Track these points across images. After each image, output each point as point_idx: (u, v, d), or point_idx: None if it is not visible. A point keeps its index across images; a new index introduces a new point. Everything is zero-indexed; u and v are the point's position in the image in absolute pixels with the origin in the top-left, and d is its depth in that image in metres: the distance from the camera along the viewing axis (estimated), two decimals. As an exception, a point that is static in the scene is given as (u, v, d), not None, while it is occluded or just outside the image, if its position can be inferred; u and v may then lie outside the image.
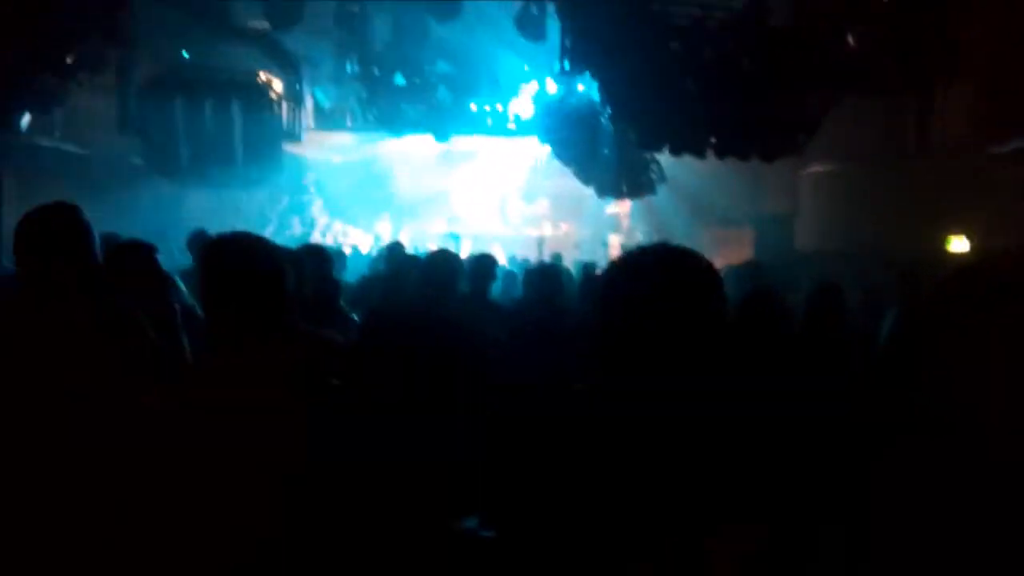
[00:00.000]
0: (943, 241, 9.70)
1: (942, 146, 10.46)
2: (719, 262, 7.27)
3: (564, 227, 17.20)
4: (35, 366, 2.34)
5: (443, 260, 4.69)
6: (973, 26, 9.05)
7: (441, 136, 13.36)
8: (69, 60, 7.35)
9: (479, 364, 2.92)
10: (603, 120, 10.32)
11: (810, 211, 12.59)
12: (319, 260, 4.47)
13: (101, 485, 2.23)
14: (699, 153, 8.38)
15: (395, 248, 6.94)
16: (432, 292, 4.33)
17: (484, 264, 4.95)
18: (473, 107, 12.98)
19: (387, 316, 2.84)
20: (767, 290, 4.77)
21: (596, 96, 9.97)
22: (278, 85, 11.52)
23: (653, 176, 11.36)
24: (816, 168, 12.27)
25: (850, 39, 8.00)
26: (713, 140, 8.23)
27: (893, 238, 9.71)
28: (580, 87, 10.85)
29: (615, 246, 15.51)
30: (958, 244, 9.64)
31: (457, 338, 2.67)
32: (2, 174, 9.98)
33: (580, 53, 8.41)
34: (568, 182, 13.22)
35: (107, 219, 9.71)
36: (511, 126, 13.58)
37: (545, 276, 4.79)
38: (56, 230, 2.51)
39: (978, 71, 9.45)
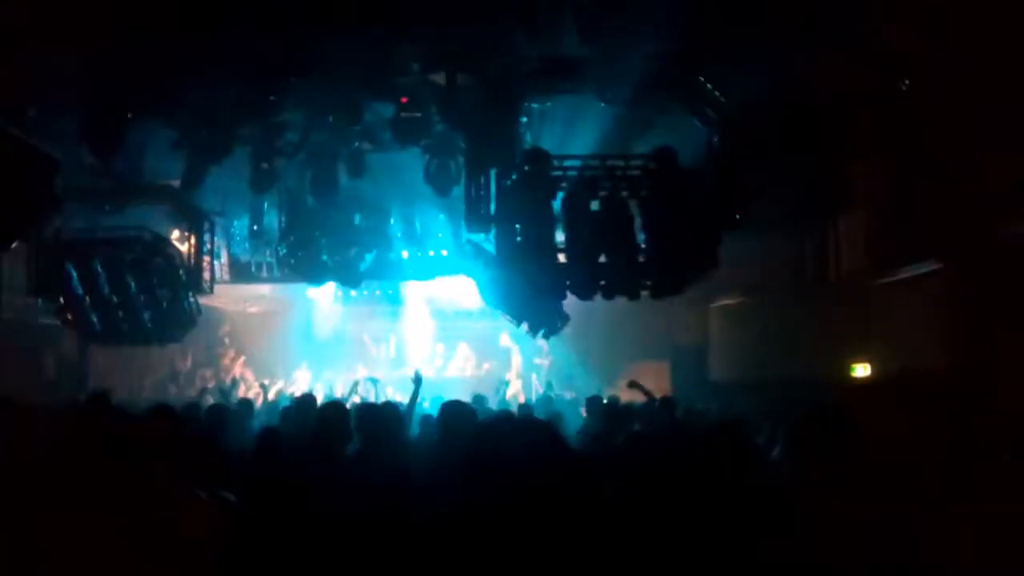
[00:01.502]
0: (847, 368, 10.07)
1: (840, 276, 11.04)
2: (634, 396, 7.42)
3: (486, 366, 17.27)
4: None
5: (333, 412, 4.65)
6: (864, 159, 9.71)
7: (357, 285, 13.45)
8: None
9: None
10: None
11: (720, 343, 12.97)
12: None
13: None
14: (586, 296, 8.71)
15: (306, 400, 6.88)
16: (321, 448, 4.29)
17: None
18: (391, 254, 13.18)
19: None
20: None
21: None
22: (189, 242, 11.52)
23: (559, 317, 11.61)
24: (725, 301, 12.75)
25: (742, 177, 8.54)
26: (602, 283, 8.57)
27: (799, 367, 10.05)
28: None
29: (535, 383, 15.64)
30: (861, 370, 10.03)
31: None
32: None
33: (482, 204, 8.79)
34: (486, 324, 13.38)
35: (14, 381, 9.41)
36: (432, 269, 13.79)
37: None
38: None
39: (870, 202, 10.08)
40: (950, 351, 8.29)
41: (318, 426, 4.47)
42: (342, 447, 4.35)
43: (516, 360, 17.02)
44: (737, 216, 8.82)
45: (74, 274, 10.39)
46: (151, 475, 3.06)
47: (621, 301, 9.44)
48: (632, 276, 8.70)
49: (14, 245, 8.70)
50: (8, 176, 7.00)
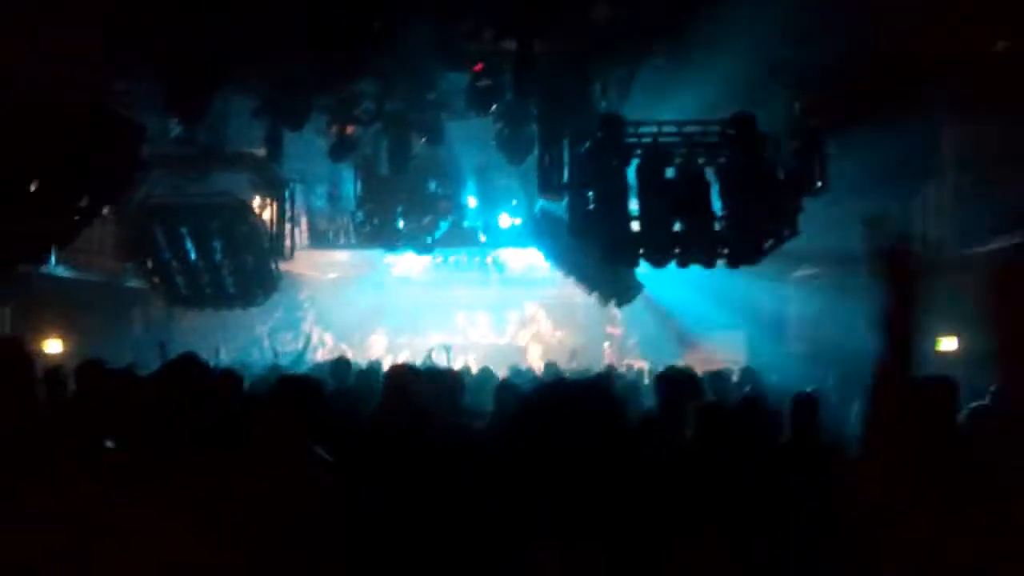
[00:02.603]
0: (931, 341, 9.73)
1: (925, 245, 10.63)
2: (709, 367, 7.31)
3: (558, 335, 17.31)
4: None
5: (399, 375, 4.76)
6: (954, 124, 9.29)
7: (431, 252, 13.59)
8: (83, 202, 7.63)
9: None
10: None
11: (799, 313, 12.69)
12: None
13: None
14: (660, 264, 8.58)
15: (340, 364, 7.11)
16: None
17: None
18: (466, 221, 13.27)
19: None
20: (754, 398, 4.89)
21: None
22: (272, 208, 11.81)
23: (633, 284, 11.52)
24: (804, 271, 12.44)
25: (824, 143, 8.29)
26: (676, 250, 8.43)
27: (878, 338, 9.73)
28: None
29: (608, 353, 15.62)
30: (947, 343, 9.68)
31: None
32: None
33: (556, 172, 8.73)
34: (561, 291, 13.38)
35: (105, 342, 9.84)
36: (504, 239, 13.87)
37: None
38: None
39: (960, 168, 9.66)
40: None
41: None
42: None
43: (540, 327, 17.08)
44: (818, 183, 8.58)
45: (162, 239, 10.80)
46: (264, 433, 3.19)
47: (696, 271, 9.32)
48: (708, 244, 8.55)
49: (105, 211, 9.05)
50: (98, 142, 7.27)
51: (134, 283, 12.28)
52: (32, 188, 7.07)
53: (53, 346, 11.08)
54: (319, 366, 10.04)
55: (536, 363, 13.91)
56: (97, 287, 12.28)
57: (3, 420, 2.59)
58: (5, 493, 2.36)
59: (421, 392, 4.59)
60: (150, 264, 11.13)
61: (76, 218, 7.89)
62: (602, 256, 9.38)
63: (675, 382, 6.69)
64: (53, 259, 11.25)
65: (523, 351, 16.63)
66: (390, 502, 3.50)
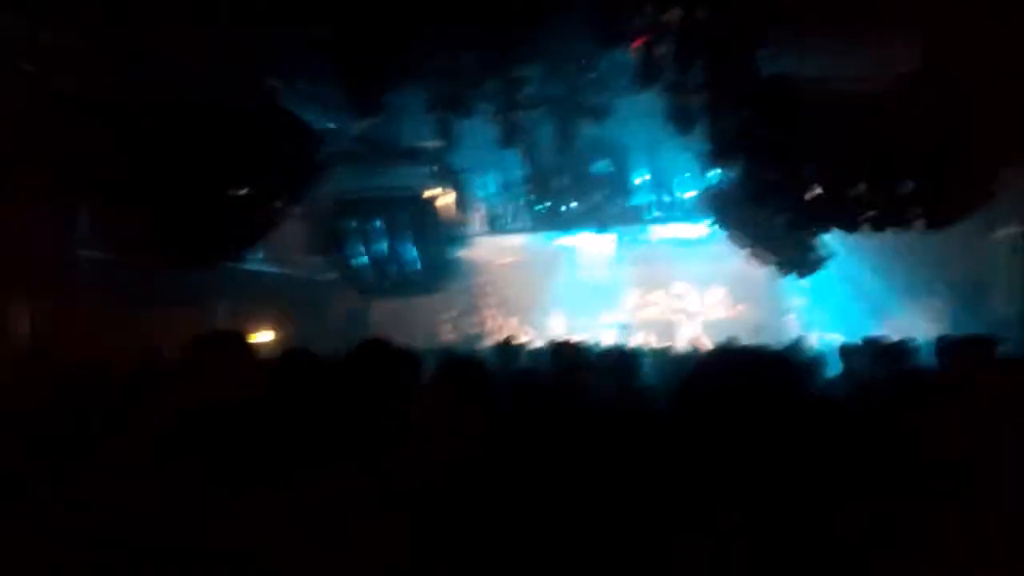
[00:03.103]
0: None
1: None
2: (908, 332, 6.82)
3: (740, 308, 16.84)
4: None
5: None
6: None
7: (607, 230, 13.66)
8: (264, 198, 8.24)
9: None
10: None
11: (1006, 277, 11.66)
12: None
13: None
14: (852, 229, 8.10)
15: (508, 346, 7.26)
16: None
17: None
18: (635, 199, 13.21)
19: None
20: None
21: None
22: (446, 197, 12.27)
23: (819, 253, 10.98)
24: (1008, 230, 11.43)
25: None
26: (871, 213, 7.93)
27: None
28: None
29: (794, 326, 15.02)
30: None
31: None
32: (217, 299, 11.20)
33: (729, 141, 8.48)
34: (737, 265, 13.00)
35: (309, 332, 10.60)
36: (678, 213, 13.68)
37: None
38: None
39: None
40: None
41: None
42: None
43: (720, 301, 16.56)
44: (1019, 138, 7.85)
45: (352, 232, 11.56)
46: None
47: (887, 236, 8.78)
48: (900, 206, 8.03)
49: (296, 209, 9.72)
50: (275, 143, 7.83)
51: (330, 276, 13.15)
52: (223, 190, 7.68)
53: (264, 337, 12.10)
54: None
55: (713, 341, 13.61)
56: (298, 282, 13.27)
57: (233, 409, 2.79)
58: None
59: (586, 369, 4.66)
60: (342, 257, 11.92)
61: (267, 217, 8.52)
62: (788, 223, 9.04)
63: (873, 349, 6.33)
64: (259, 256, 12.31)
65: (703, 327, 16.34)
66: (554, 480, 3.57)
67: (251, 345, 3.63)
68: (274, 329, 12.20)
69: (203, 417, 2.64)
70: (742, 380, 2.05)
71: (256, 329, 12.11)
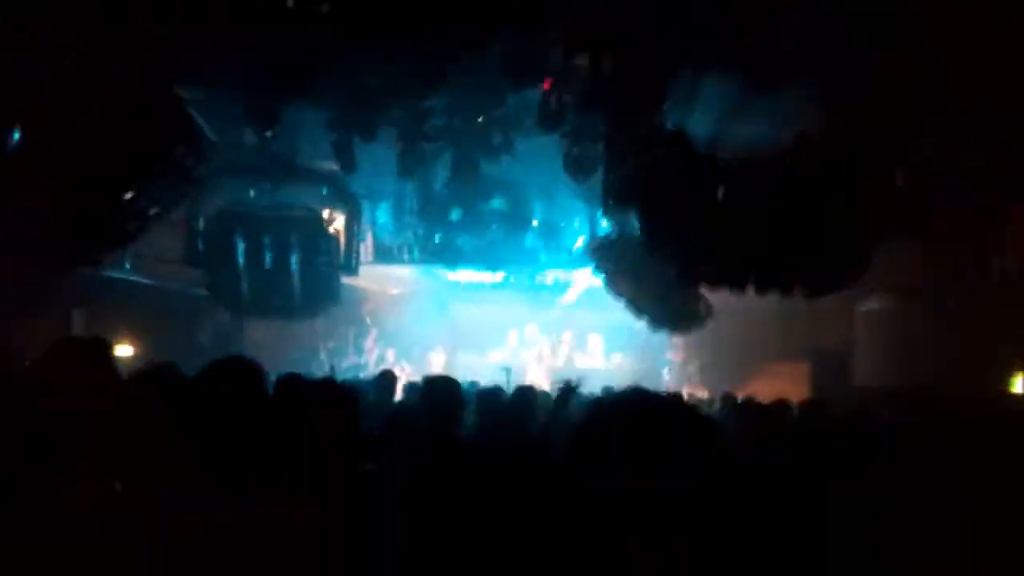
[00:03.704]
0: (1010, 378, 9.37)
1: (1004, 278, 10.25)
2: (770, 396, 7.10)
3: (616, 359, 17.16)
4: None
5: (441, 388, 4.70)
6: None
7: (495, 269, 13.66)
8: (142, 203, 7.77)
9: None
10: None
11: (868, 347, 12.33)
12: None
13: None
14: (739, 288, 8.39)
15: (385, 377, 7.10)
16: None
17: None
18: (528, 240, 13.28)
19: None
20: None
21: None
22: (339, 221, 11.99)
23: (702, 311, 11.34)
24: (873, 303, 12.11)
25: (898, 177, 8.03)
26: (754, 277, 8.23)
27: (955, 376, 9.41)
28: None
29: (666, 378, 15.39)
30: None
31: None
32: (72, 306, 10.47)
33: (625, 191, 8.64)
34: (621, 315, 13.25)
35: (171, 348, 10.06)
36: (565, 259, 13.84)
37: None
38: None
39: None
40: None
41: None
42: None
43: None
44: (890, 215, 8.34)
45: (238, 248, 11.05)
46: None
47: (756, 299, 9.12)
48: (789, 273, 8.35)
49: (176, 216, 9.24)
50: (166, 142, 7.44)
51: (204, 292, 12.56)
52: (97, 186, 7.20)
53: (124, 351, 11.38)
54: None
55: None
56: (168, 295, 12.59)
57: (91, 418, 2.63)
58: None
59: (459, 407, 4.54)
60: (220, 272, 11.39)
61: (141, 221, 8.05)
62: (676, 278, 9.26)
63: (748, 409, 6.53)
64: (128, 265, 11.63)
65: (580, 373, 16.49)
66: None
67: (111, 354, 3.43)
68: (140, 342, 11.50)
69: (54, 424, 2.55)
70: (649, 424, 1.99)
71: (119, 340, 11.39)
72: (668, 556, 1.73)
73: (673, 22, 7.08)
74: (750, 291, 8.37)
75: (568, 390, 4.76)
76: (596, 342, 17.47)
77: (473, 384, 8.21)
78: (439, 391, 4.74)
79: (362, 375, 12.75)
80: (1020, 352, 9.43)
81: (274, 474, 2.67)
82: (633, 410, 2.00)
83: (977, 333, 9.80)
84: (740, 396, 8.79)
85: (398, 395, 7.65)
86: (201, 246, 11.19)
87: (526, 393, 5.52)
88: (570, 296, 16.59)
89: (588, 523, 1.87)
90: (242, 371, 3.09)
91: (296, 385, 3.60)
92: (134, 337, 11.59)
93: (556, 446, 4.75)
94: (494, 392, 5.61)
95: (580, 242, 13.46)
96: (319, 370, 13.44)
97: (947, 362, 9.85)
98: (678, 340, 15.86)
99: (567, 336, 17.60)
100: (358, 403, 3.52)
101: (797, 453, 3.71)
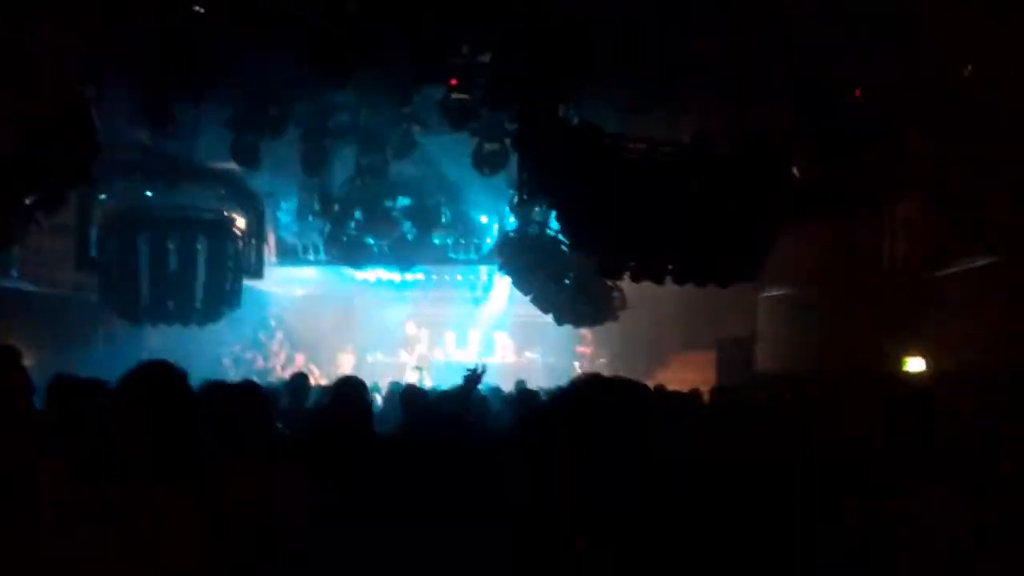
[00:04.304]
0: (899, 362, 9.83)
1: (894, 266, 10.76)
2: (681, 385, 7.28)
3: (528, 354, 17.24)
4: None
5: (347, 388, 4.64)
6: (924, 147, 9.42)
7: (403, 268, 13.54)
8: (28, 201, 7.35)
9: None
10: (563, 249, 10.63)
11: (769, 334, 12.76)
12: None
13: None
14: (658, 280, 8.57)
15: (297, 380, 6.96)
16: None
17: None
18: (435, 239, 13.20)
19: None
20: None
21: (555, 225, 10.35)
22: (240, 222, 11.64)
23: (615, 303, 11.51)
24: (773, 291, 12.54)
25: (795, 168, 8.34)
26: (671, 267, 8.42)
27: (850, 360, 9.84)
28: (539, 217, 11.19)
29: (578, 373, 15.53)
30: (914, 363, 9.78)
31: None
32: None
33: (537, 185, 8.69)
34: (531, 310, 13.32)
35: (66, 357, 9.57)
36: (472, 256, 13.81)
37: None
38: None
39: (925, 187, 9.80)
40: (1007, 348, 8.05)
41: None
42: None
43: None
44: (789, 204, 8.66)
45: (136, 250, 10.58)
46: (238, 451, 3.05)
47: (660, 291, 9.34)
48: (705, 263, 8.55)
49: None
50: (57, 135, 7.06)
51: (97, 296, 11.98)
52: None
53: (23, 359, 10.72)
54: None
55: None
56: (58, 301, 11.96)
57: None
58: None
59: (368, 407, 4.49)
60: (113, 276, 10.90)
61: (23, 224, 7.64)
62: (598, 270, 9.38)
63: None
64: (15, 272, 11.00)
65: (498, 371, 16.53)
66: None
67: (21, 362, 3.27)
68: (33, 353, 10.87)
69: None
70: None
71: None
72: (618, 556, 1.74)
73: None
74: (668, 282, 8.56)
75: (474, 378, 4.78)
76: (504, 337, 17.50)
77: (396, 384, 8.14)
78: (346, 392, 4.67)
79: (270, 379, 12.44)
80: (911, 335, 9.91)
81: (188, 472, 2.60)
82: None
83: (871, 318, 10.27)
84: (651, 386, 8.98)
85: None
86: (94, 250, 10.68)
87: (450, 391, 5.49)
88: (482, 293, 16.60)
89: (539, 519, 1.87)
90: (164, 375, 2.98)
91: (217, 388, 3.48)
92: (25, 347, 10.96)
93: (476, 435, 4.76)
94: (415, 390, 5.57)
95: (489, 240, 13.48)
96: (223, 376, 13.04)
97: (844, 346, 10.30)
98: (586, 334, 16.09)
99: (475, 334, 17.58)
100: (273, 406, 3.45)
101: (711, 435, 3.83)
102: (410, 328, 17.12)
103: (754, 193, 8.02)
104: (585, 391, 1.98)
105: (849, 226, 10.60)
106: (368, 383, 4.94)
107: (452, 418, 4.57)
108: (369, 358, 16.28)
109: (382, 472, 3.51)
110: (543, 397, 6.03)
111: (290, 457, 3.42)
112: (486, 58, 8.39)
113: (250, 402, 3.32)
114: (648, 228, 8.11)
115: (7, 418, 2.48)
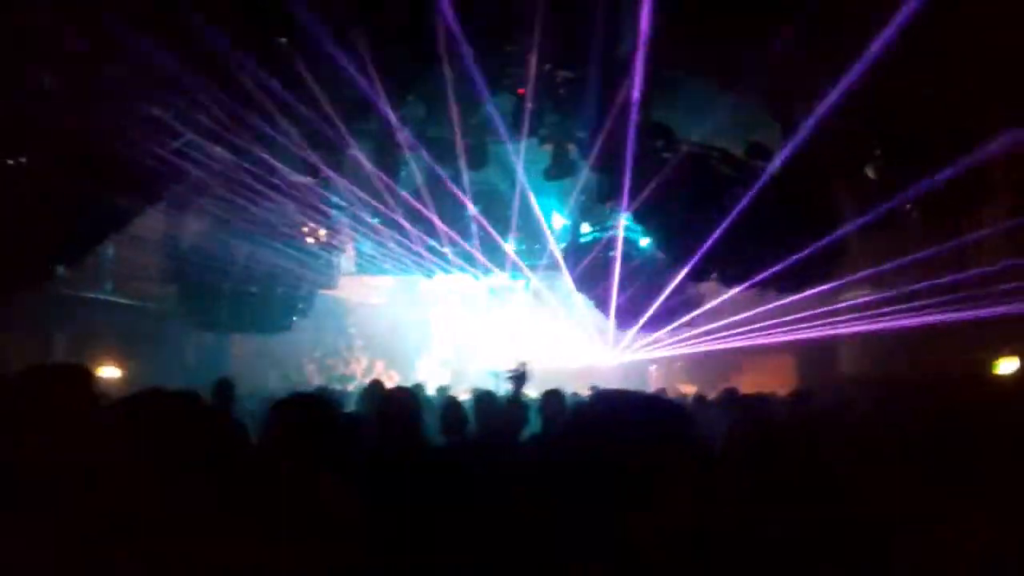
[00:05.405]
0: (990, 364, 9.46)
1: (980, 268, 10.34)
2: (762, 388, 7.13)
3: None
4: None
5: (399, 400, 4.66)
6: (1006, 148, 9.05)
7: (475, 275, 13.66)
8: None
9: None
10: (633, 254, 10.63)
11: (851, 338, 12.40)
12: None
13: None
14: (739, 283, 8.48)
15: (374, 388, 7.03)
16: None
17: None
18: (507, 246, 13.29)
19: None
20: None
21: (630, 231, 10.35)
22: (320, 234, 11.94)
23: (689, 307, 11.39)
24: (855, 295, 12.19)
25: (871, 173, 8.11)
26: (753, 275, 8.35)
27: (938, 363, 9.51)
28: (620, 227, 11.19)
29: (654, 377, 15.42)
30: (1007, 365, 9.40)
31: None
32: (52, 328, 10.37)
33: (613, 192, 8.70)
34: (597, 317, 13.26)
35: (156, 367, 9.95)
36: (543, 263, 13.85)
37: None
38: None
39: (1013, 191, 9.41)
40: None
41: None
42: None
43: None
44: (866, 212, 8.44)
45: (217, 264, 10.99)
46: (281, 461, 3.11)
47: (740, 294, 9.19)
48: (788, 270, 8.44)
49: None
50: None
51: (182, 309, 12.43)
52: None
53: (109, 372, 11.26)
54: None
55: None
56: (151, 314, 12.50)
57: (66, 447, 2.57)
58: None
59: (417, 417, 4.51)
60: (192, 288, 11.32)
61: (83, 241, 7.97)
62: (690, 277, 9.38)
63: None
64: (110, 286, 11.54)
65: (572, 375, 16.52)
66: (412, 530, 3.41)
67: (93, 379, 3.38)
68: (120, 364, 11.40)
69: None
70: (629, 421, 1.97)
71: (100, 363, 11.31)
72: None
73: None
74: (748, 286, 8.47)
75: (520, 375, 4.84)
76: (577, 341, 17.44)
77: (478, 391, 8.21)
78: (394, 402, 4.71)
79: (349, 386, 12.74)
80: (1001, 338, 9.53)
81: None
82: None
83: (955, 323, 9.89)
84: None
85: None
86: (177, 264, 11.12)
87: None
88: (555, 298, 16.60)
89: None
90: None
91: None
92: (119, 359, 11.51)
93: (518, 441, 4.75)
94: (489, 396, 5.59)
95: (558, 246, 13.49)
96: (305, 384, 13.42)
97: (929, 350, 9.95)
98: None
99: (553, 338, 17.56)
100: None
101: (786, 442, 3.72)
102: (482, 333, 17.25)
103: (827, 199, 7.85)
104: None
105: (932, 228, 10.24)
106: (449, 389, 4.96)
107: (518, 423, 4.61)
108: (448, 364, 16.48)
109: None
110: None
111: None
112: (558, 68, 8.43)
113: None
114: (736, 236, 8.04)
115: (68, 436, 2.57)
